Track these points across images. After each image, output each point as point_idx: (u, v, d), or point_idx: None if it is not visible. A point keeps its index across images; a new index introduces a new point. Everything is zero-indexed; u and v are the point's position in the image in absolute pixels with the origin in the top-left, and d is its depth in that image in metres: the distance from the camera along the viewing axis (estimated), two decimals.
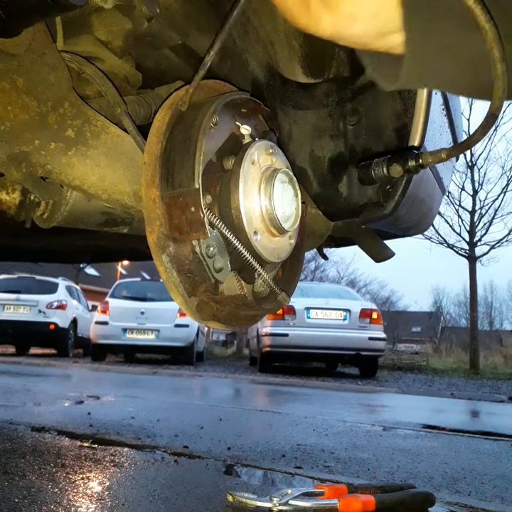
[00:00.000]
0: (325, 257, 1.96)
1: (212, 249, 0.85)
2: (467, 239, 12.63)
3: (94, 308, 12.23)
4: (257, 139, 0.93)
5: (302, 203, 0.96)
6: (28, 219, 1.04)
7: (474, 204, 12.75)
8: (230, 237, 0.85)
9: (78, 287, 13.52)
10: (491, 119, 0.58)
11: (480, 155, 12.71)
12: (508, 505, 1.66)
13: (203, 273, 0.85)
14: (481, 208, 12.84)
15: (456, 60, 0.53)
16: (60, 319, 10.83)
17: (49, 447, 1.98)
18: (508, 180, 12.65)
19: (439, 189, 1.59)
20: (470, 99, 12.51)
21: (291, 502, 1.24)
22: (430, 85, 0.65)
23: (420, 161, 0.92)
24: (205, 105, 0.87)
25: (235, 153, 0.88)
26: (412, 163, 0.94)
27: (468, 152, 11.77)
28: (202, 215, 0.79)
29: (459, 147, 0.81)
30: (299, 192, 0.94)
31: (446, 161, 0.83)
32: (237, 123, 0.92)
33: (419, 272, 66.48)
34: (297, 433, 2.80)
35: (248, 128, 0.91)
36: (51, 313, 10.73)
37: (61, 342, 10.99)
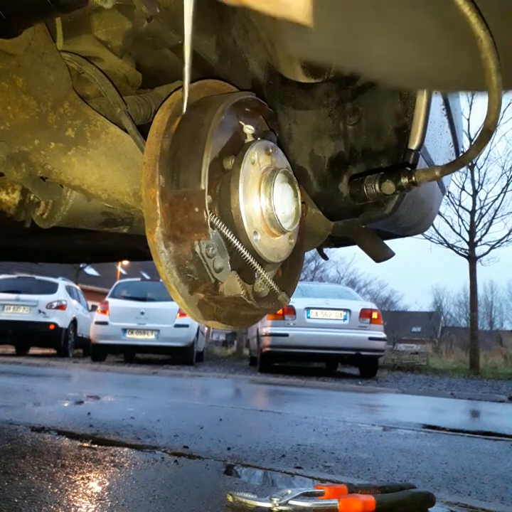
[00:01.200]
0: (325, 257, 1.96)
1: (212, 249, 0.85)
2: (467, 239, 12.63)
3: (94, 308, 12.22)
4: (259, 138, 0.93)
5: (302, 203, 0.96)
6: (27, 219, 1.04)
7: (474, 204, 12.75)
8: (230, 237, 0.85)
9: (78, 287, 13.51)
10: (486, 135, 0.55)
11: (480, 155, 12.71)
12: (508, 505, 1.66)
13: (203, 273, 0.85)
14: (481, 208, 12.85)
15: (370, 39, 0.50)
16: (60, 319, 10.82)
17: (49, 447, 1.98)
18: (508, 180, 12.64)
19: (439, 189, 1.59)
20: (470, 99, 12.51)
21: (291, 502, 1.24)
22: (339, 62, 0.62)
23: (413, 178, 0.92)
24: (214, 104, 0.86)
25: (235, 153, 0.88)
26: (404, 180, 0.94)
27: None
28: (205, 217, 0.79)
29: (453, 164, 0.81)
30: (299, 192, 0.94)
31: (439, 179, 0.83)
32: (240, 122, 0.92)
33: (419, 272, 66.49)
34: (297, 433, 2.80)
35: (251, 128, 0.91)
36: (51, 313, 10.72)
37: (61, 342, 10.98)
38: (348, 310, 8.32)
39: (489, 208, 12.79)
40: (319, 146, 1.25)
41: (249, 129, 0.91)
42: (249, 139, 0.91)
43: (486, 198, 12.88)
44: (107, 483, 1.52)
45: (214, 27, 1.05)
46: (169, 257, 0.83)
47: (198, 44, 1.01)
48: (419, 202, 1.33)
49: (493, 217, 12.68)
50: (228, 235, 0.84)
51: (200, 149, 0.82)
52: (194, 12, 0.70)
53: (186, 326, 9.51)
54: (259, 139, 0.93)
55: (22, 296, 10.67)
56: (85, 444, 2.08)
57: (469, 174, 12.77)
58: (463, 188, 12.85)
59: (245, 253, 0.87)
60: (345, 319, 8.28)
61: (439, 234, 12.80)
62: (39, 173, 0.89)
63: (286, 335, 8.07)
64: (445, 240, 12.81)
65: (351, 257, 35.37)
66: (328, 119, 1.22)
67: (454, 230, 12.85)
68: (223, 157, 0.88)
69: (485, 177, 13.15)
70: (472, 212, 12.71)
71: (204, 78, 0.94)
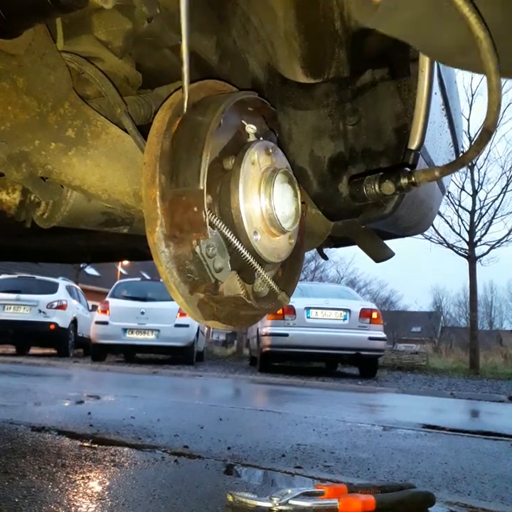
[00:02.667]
0: (325, 257, 1.96)
1: (212, 249, 0.85)
2: (467, 239, 12.63)
3: (94, 308, 12.21)
4: (261, 138, 0.93)
5: (302, 203, 0.97)
6: (28, 219, 1.04)
7: (474, 204, 12.76)
8: (230, 237, 0.85)
9: (78, 287, 13.50)
10: (486, 135, 0.56)
11: (480, 155, 12.70)
12: (508, 505, 1.66)
13: (203, 273, 0.85)
14: (480, 208, 12.85)
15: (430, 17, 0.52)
16: (61, 319, 10.82)
17: (49, 447, 1.99)
18: (508, 180, 12.66)
19: (439, 189, 1.59)
20: (470, 99, 12.53)
21: (291, 502, 1.24)
22: (400, 35, 0.64)
23: (413, 178, 0.93)
24: (215, 103, 0.86)
25: (235, 153, 0.88)
26: (404, 180, 0.94)
27: None
28: (204, 216, 0.79)
29: (453, 165, 0.81)
30: (298, 192, 0.94)
31: (439, 179, 0.83)
32: (242, 122, 0.92)
33: (419, 272, 66.46)
34: (297, 433, 2.81)
35: (253, 127, 0.91)
36: (51, 313, 10.72)
37: (61, 342, 10.98)
38: (347, 310, 8.32)
39: (489, 208, 12.81)
40: (319, 147, 1.25)
41: (251, 129, 0.91)
42: (252, 138, 0.91)
43: (485, 198, 12.91)
44: (107, 483, 1.52)
45: (214, 28, 1.05)
46: (169, 257, 0.83)
47: (198, 45, 1.01)
48: (418, 202, 1.34)
49: (492, 217, 12.70)
50: (228, 235, 0.85)
51: (199, 148, 0.82)
52: (189, 12, 0.70)
53: (186, 325, 9.52)
54: (261, 138, 0.93)
55: (22, 296, 10.67)
56: (86, 444, 2.08)
57: (469, 174, 12.79)
58: (463, 188, 12.87)
59: (245, 253, 0.87)
60: (345, 319, 8.28)
61: (438, 234, 12.82)
62: (39, 173, 0.89)
63: (286, 335, 8.07)
64: (445, 240, 12.82)
65: (351, 257, 35.36)
66: (328, 119, 1.23)
67: (453, 230, 12.87)
68: (223, 157, 0.89)
69: (485, 177, 13.17)
70: (472, 213, 12.72)
71: (204, 79, 0.94)
